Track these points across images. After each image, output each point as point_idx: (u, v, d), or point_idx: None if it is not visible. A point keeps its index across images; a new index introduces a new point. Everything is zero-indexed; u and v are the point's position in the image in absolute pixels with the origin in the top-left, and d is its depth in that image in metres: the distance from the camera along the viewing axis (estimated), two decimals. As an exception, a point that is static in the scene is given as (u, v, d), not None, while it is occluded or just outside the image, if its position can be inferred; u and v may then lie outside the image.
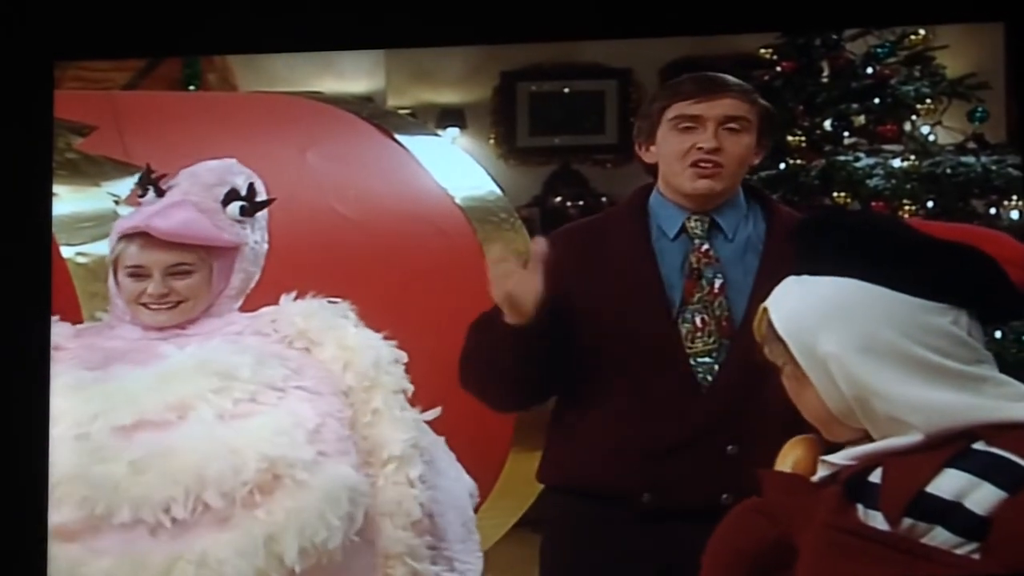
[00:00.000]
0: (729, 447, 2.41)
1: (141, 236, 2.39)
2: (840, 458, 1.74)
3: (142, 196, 2.46)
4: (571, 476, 2.53)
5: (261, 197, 2.49)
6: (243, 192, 2.45)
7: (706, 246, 2.49)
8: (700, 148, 2.46)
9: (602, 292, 2.48)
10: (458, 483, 2.55)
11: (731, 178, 2.50)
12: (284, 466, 2.22)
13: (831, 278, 1.76)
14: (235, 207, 2.44)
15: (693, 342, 2.45)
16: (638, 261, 2.49)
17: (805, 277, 1.80)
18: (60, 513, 2.17)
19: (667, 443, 2.42)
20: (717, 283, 2.46)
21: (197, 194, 2.43)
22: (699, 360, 2.44)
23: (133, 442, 2.22)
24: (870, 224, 1.89)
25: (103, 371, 2.33)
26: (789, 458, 1.84)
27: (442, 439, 2.54)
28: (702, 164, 2.47)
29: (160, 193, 2.44)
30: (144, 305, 2.39)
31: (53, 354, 2.39)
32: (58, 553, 2.15)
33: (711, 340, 2.44)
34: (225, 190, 2.44)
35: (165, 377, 2.30)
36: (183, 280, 2.39)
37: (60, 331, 2.44)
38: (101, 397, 2.25)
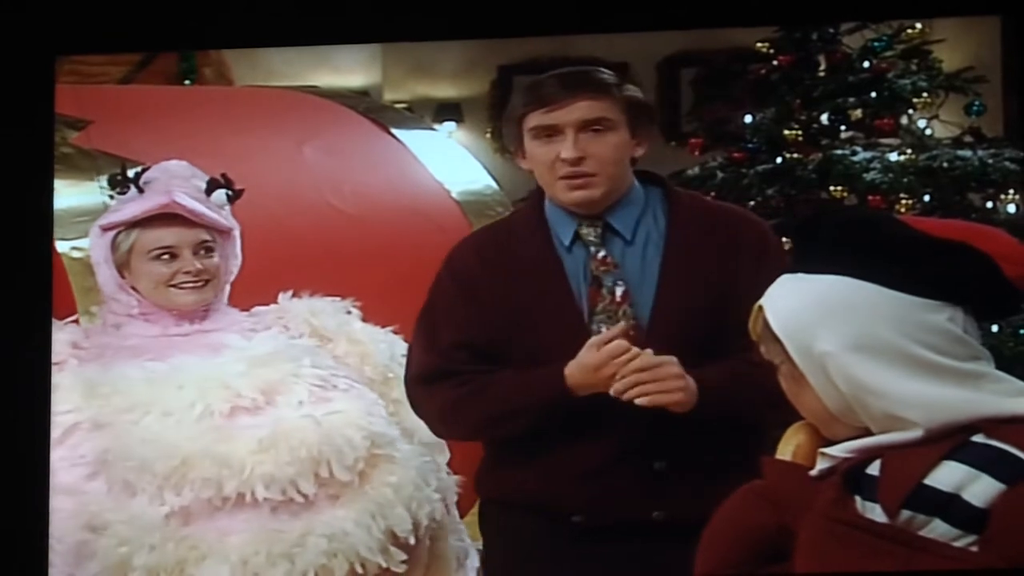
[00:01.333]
0: (656, 463, 2.32)
1: (159, 219, 2.41)
2: (839, 451, 1.74)
3: (122, 194, 2.47)
4: (504, 491, 2.43)
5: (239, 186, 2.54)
6: (221, 182, 2.49)
7: (603, 253, 2.37)
8: (564, 159, 2.33)
9: (516, 303, 2.37)
10: None
11: (609, 181, 2.36)
12: (383, 443, 2.31)
13: (827, 276, 1.76)
14: (221, 194, 2.48)
15: None
16: (545, 271, 2.37)
17: (800, 275, 1.79)
18: (181, 495, 2.20)
19: (593, 463, 2.32)
20: (619, 291, 2.34)
21: (180, 185, 2.45)
22: None
23: (236, 425, 2.28)
24: (865, 222, 1.88)
25: (177, 360, 2.36)
26: (791, 444, 1.83)
27: None
28: (570, 176, 2.34)
29: (140, 190, 2.45)
30: (176, 286, 2.40)
31: (75, 352, 2.40)
32: (188, 534, 2.19)
33: None
34: (199, 181, 2.47)
35: (253, 363, 2.35)
36: (209, 258, 2.44)
37: (75, 331, 2.48)
38: (192, 385, 2.30)
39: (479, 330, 2.36)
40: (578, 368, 2.27)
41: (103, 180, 2.88)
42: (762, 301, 1.81)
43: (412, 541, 2.25)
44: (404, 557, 2.24)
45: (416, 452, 2.37)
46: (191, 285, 2.42)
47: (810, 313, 1.74)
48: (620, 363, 2.23)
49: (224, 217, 2.48)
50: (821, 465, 1.76)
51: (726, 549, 1.81)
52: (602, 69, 2.45)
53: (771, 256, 2.33)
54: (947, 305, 1.73)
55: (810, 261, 1.79)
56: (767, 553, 1.77)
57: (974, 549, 1.64)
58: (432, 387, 2.37)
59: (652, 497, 2.29)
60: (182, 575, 2.16)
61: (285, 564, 2.16)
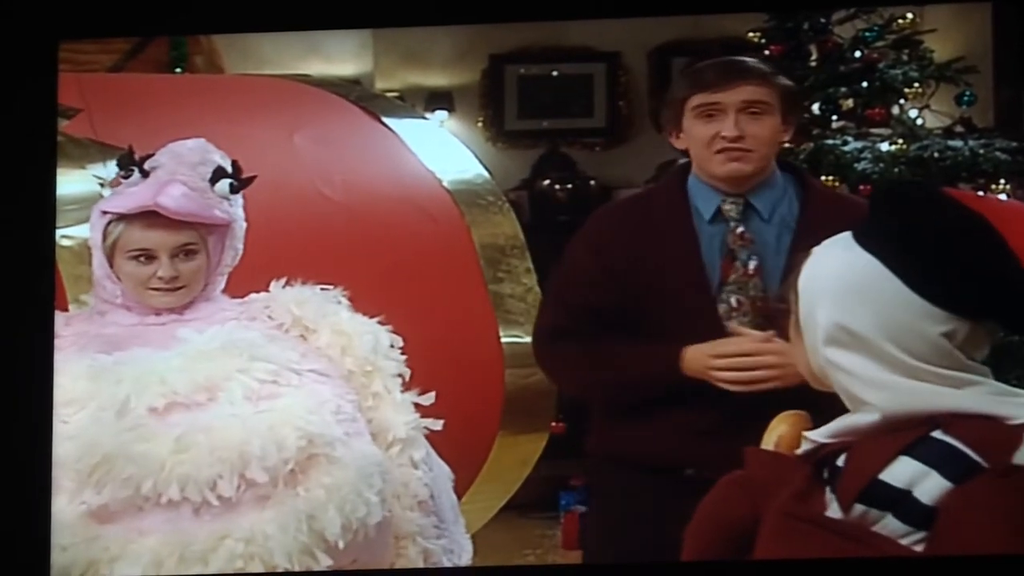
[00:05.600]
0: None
1: (144, 217, 2.37)
2: (820, 435, 1.75)
3: (126, 177, 2.45)
4: (619, 449, 2.61)
5: (245, 174, 2.48)
6: (228, 170, 2.45)
7: (741, 228, 2.57)
8: (724, 136, 2.54)
9: (648, 270, 2.55)
10: (441, 467, 2.56)
11: (760, 160, 2.58)
12: (322, 443, 2.25)
13: (861, 251, 1.72)
14: (224, 184, 2.43)
15: (730, 321, 2.52)
16: (680, 241, 2.57)
17: (851, 241, 1.75)
18: (101, 494, 2.17)
19: (708, 422, 2.48)
20: (752, 264, 2.54)
21: (184, 173, 2.42)
22: None
23: (168, 423, 2.23)
24: (929, 213, 1.75)
25: (123, 354, 2.32)
26: (774, 434, 1.87)
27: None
28: (728, 149, 2.54)
29: (145, 174, 2.43)
30: (152, 289, 2.39)
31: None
32: (101, 534, 2.15)
33: (747, 320, 2.52)
34: (208, 168, 2.43)
35: (194, 358, 2.31)
36: (188, 262, 2.40)
37: (56, 318, 2.44)
38: (130, 380, 2.26)
39: (608, 295, 2.57)
40: (701, 354, 2.48)
41: (95, 168, 2.88)
42: (815, 248, 1.79)
43: (341, 545, 2.20)
44: (330, 562, 2.19)
45: (361, 453, 2.31)
46: (164, 289, 2.39)
47: (827, 281, 1.73)
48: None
49: (223, 210, 2.44)
50: (805, 447, 1.77)
51: (706, 540, 1.82)
52: (760, 60, 2.74)
53: None
54: (953, 318, 1.68)
55: (864, 229, 1.76)
56: (746, 543, 1.77)
57: (920, 547, 1.63)
58: (556, 343, 2.64)
59: None
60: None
61: (198, 566, 2.13)
